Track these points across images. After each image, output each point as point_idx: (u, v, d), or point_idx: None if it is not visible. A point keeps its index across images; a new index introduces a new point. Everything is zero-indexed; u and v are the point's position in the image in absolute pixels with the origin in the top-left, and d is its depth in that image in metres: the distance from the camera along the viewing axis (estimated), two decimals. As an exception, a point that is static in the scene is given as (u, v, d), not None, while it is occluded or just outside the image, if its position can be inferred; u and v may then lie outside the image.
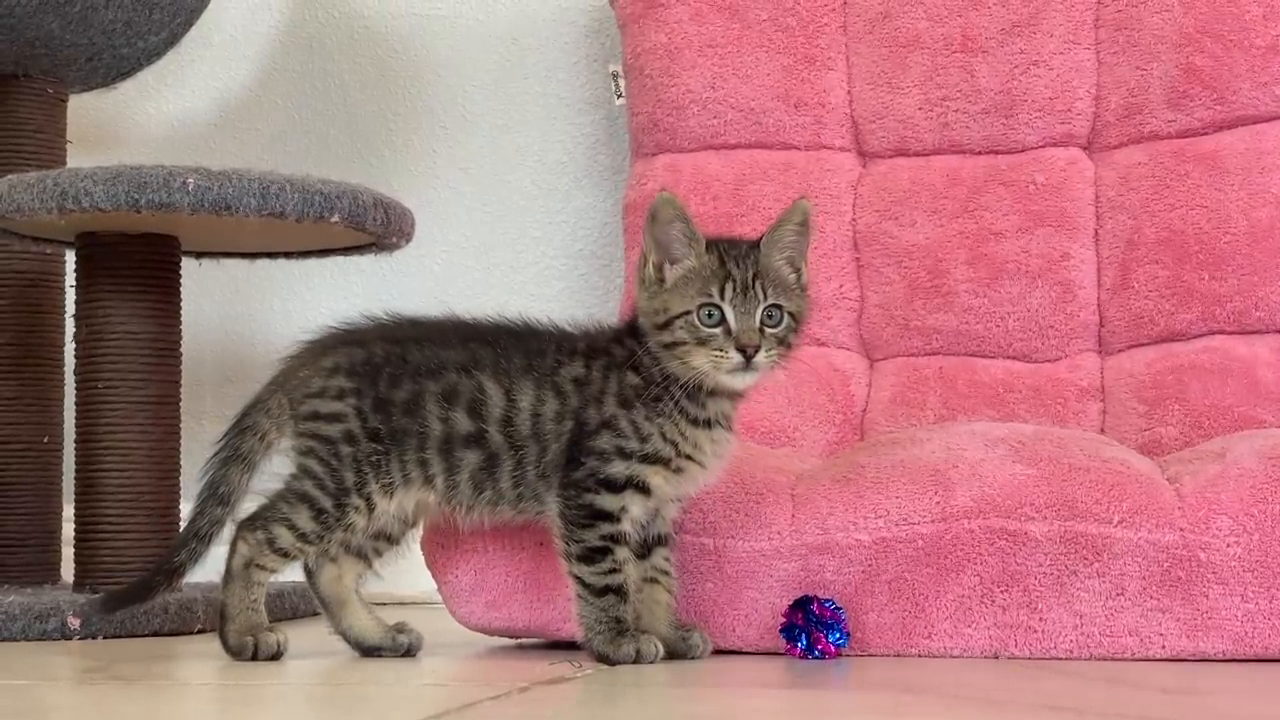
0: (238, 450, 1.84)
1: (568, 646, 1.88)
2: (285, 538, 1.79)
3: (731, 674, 1.66)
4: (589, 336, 1.81)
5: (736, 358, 1.69)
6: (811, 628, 1.78)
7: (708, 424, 1.75)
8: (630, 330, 1.78)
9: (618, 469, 1.73)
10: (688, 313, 1.70)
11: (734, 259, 1.72)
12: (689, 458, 1.75)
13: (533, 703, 1.46)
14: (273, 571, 1.81)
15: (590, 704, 1.47)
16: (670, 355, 1.72)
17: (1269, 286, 2.26)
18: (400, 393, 1.79)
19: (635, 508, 1.75)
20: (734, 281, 1.70)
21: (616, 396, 1.75)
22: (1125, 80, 2.39)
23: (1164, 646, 1.79)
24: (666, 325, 1.71)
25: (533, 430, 1.76)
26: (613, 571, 1.74)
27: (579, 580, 1.74)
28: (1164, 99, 2.36)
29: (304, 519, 1.78)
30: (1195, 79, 2.34)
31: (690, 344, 1.70)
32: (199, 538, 1.83)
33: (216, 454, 1.85)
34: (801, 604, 1.79)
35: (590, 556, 1.74)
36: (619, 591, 1.74)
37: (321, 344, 1.85)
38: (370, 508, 1.79)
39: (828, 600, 1.80)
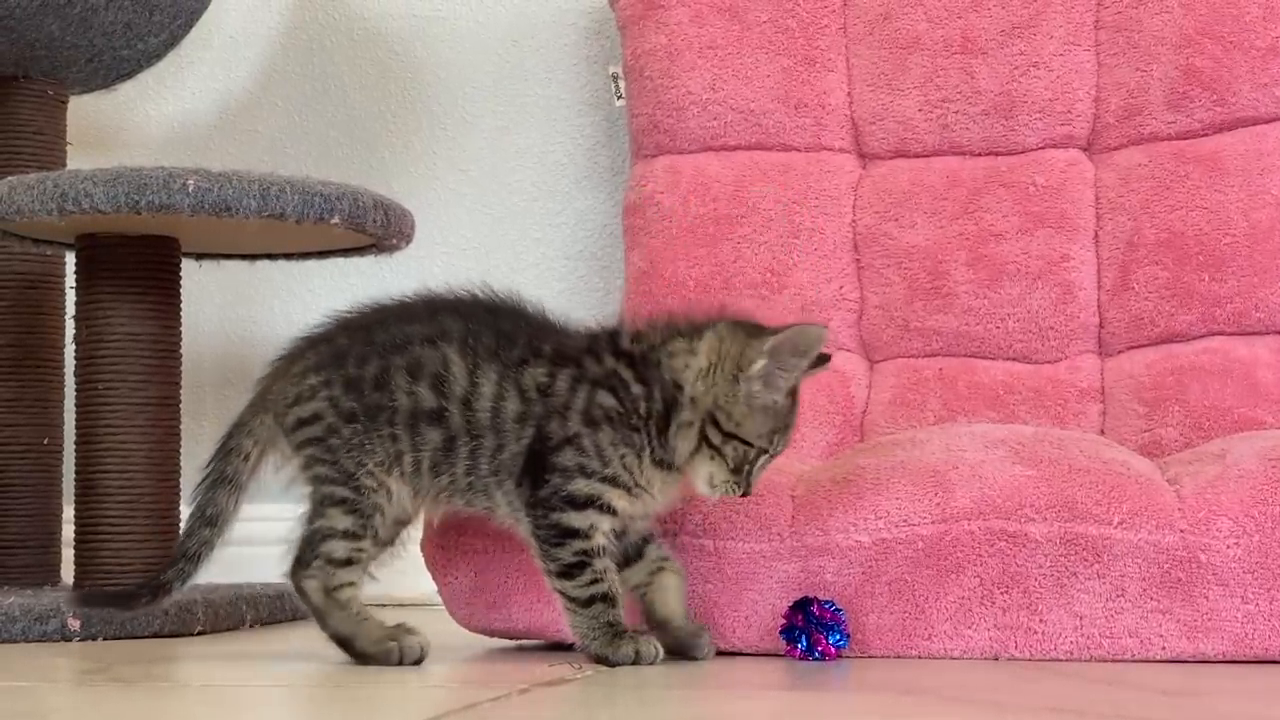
0: (224, 473, 1.83)
1: (567, 648, 1.88)
2: (338, 548, 1.76)
3: (731, 675, 1.66)
4: (559, 339, 1.78)
5: (737, 495, 1.73)
6: (812, 629, 1.78)
7: (665, 466, 1.74)
8: (612, 345, 1.76)
9: (579, 486, 1.71)
10: (749, 445, 1.71)
11: (795, 408, 1.74)
12: (643, 489, 1.74)
13: (532, 704, 1.46)
14: (350, 584, 1.76)
15: (590, 705, 1.47)
16: (709, 451, 1.71)
17: (1269, 288, 2.26)
18: (369, 369, 1.77)
19: (604, 523, 1.73)
20: (785, 435, 1.74)
21: (583, 415, 1.72)
22: (1125, 82, 2.39)
23: (1164, 648, 1.79)
24: (728, 435, 1.71)
25: (492, 422, 1.74)
26: (595, 582, 1.72)
27: (564, 595, 1.73)
28: (1164, 100, 2.36)
29: (339, 519, 1.76)
30: (1195, 80, 2.34)
31: (727, 465, 1.71)
32: (188, 558, 1.82)
33: (204, 479, 1.84)
34: (801, 605, 1.79)
35: (569, 572, 1.72)
36: (606, 598, 1.73)
37: (290, 355, 1.85)
38: (380, 483, 1.76)
39: (828, 602, 1.80)
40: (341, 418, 1.77)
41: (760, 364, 1.70)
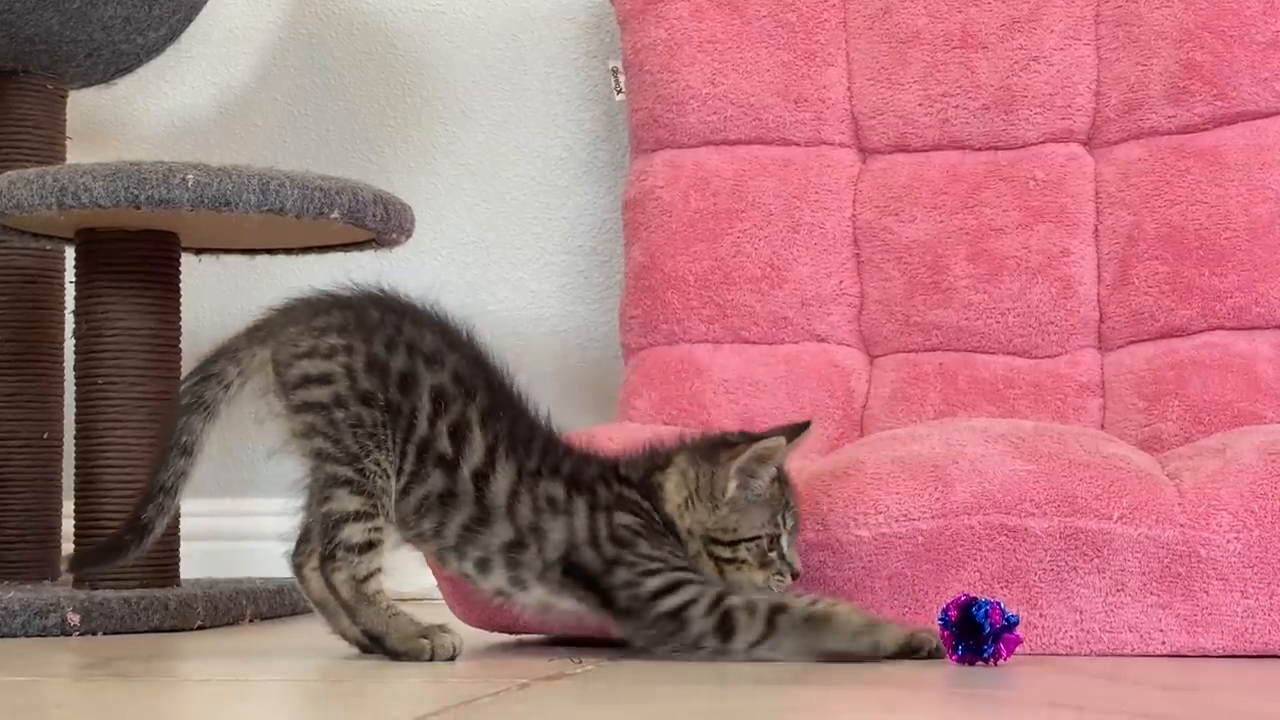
0: (201, 398, 1.75)
1: (567, 643, 1.88)
2: (354, 532, 1.71)
3: (731, 671, 1.66)
4: (573, 464, 1.75)
5: (789, 582, 1.73)
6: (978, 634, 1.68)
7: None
8: (615, 472, 1.76)
9: (656, 582, 1.69)
10: (758, 538, 1.72)
11: (788, 485, 1.75)
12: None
13: (532, 699, 1.46)
14: (378, 571, 1.72)
15: (590, 701, 1.47)
16: (730, 567, 1.72)
17: (1269, 282, 2.26)
18: (396, 361, 1.73)
19: (694, 587, 1.70)
20: (790, 510, 1.74)
21: (611, 539, 1.71)
22: (1125, 76, 2.39)
23: (1164, 642, 1.79)
24: (733, 544, 1.72)
25: (507, 513, 1.72)
26: (751, 613, 1.67)
27: (751, 649, 1.67)
28: (1164, 94, 2.36)
29: (347, 500, 1.70)
30: (1195, 74, 2.34)
31: (754, 565, 1.72)
32: (165, 491, 1.75)
33: (179, 400, 1.76)
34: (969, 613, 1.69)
35: (724, 631, 1.67)
36: (781, 609, 1.67)
37: (310, 304, 1.79)
38: (385, 473, 1.71)
39: (984, 603, 1.68)
40: (355, 394, 1.72)
41: (733, 485, 1.72)
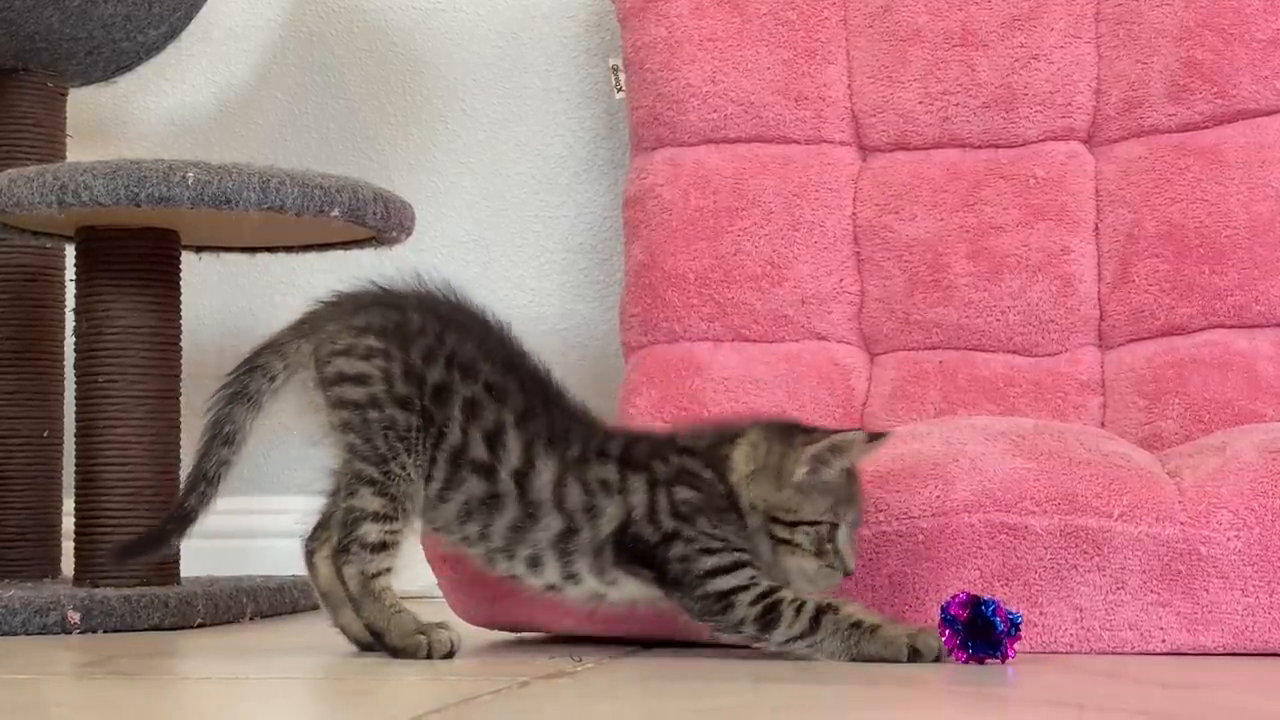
0: (245, 388, 1.78)
1: (568, 641, 1.88)
2: (371, 531, 1.72)
3: (731, 669, 1.66)
4: (622, 444, 1.75)
5: (839, 578, 1.71)
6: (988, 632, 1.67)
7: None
8: (673, 445, 1.75)
9: (711, 561, 1.69)
10: (817, 524, 1.70)
11: (856, 482, 1.73)
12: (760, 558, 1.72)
13: (532, 697, 1.46)
14: (387, 570, 1.73)
15: (590, 698, 1.47)
16: (784, 548, 1.70)
17: (1269, 280, 2.26)
18: (433, 373, 1.74)
19: (747, 572, 1.70)
20: (852, 505, 1.72)
21: (672, 514, 1.70)
22: (1126, 74, 2.39)
23: (1164, 640, 1.79)
24: (792, 525, 1.70)
25: (555, 504, 1.72)
26: (798, 610, 1.66)
27: (789, 644, 1.67)
28: (1164, 92, 2.36)
29: (370, 500, 1.72)
30: (1195, 72, 2.34)
31: (809, 550, 1.70)
32: (207, 480, 1.77)
33: (223, 388, 1.78)
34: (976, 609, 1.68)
35: (765, 621, 1.67)
36: (829, 609, 1.66)
37: (353, 300, 1.80)
38: (413, 479, 1.73)
39: (989, 602, 1.67)
40: (391, 398, 1.73)
41: (803, 471, 1.70)
